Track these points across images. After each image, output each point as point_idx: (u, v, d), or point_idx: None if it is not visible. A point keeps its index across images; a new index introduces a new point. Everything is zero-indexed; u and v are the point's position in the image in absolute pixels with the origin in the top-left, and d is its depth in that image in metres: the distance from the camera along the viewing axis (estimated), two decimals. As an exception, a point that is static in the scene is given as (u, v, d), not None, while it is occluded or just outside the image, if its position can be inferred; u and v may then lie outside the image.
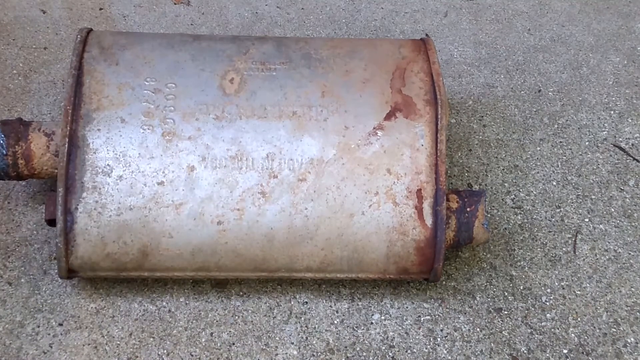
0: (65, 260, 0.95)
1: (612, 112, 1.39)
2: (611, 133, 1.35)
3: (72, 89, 0.98)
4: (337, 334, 1.02)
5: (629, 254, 1.15)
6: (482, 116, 1.37)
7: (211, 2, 1.61)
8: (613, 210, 1.21)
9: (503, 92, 1.42)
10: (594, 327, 1.05)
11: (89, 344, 0.99)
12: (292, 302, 1.06)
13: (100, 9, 1.57)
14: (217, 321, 1.03)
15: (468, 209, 1.02)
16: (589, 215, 1.20)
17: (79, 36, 1.04)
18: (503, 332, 1.04)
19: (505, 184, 1.24)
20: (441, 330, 1.03)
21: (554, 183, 1.25)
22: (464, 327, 1.04)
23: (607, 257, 1.14)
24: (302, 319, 1.04)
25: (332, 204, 0.96)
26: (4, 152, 0.99)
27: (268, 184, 0.96)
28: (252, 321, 1.03)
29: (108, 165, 0.95)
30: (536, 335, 1.04)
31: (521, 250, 1.15)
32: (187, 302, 1.05)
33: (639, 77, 1.47)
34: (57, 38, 1.48)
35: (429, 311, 1.06)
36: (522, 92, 1.43)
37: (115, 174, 0.94)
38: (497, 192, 1.23)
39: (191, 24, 1.54)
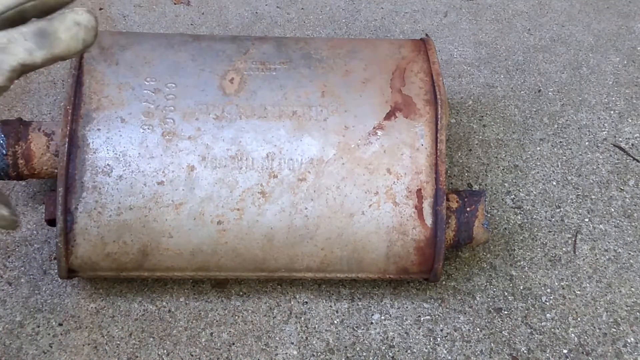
0: (65, 260, 0.95)
1: (612, 112, 1.39)
2: (611, 133, 1.35)
3: (72, 89, 0.98)
4: (337, 334, 1.02)
5: (629, 254, 1.15)
6: (482, 116, 1.37)
7: (211, 2, 1.61)
8: (613, 210, 1.21)
9: (503, 92, 1.42)
10: (594, 327, 1.05)
11: (89, 344, 0.99)
12: (292, 302, 1.06)
13: (100, 9, 1.57)
14: (217, 321, 1.03)
15: (468, 209, 1.02)
16: (589, 215, 1.20)
17: (79, 36, 1.04)
18: (503, 332, 1.04)
19: (505, 184, 1.24)
20: (441, 330, 1.03)
21: (554, 183, 1.25)
22: (464, 327, 1.04)
23: (607, 257, 1.14)
24: (302, 319, 1.04)
25: (332, 203, 0.96)
26: (4, 152, 0.99)
27: (268, 183, 0.96)
28: (252, 321, 1.03)
29: (108, 165, 0.95)
30: (536, 335, 1.03)
31: (521, 250, 1.14)
32: (187, 302, 1.05)
33: (639, 77, 1.47)
34: (57, 38, 1.48)
35: (429, 311, 1.06)
36: (522, 92, 1.42)
37: (115, 174, 0.94)
38: (497, 192, 1.23)
39: (191, 24, 1.54)
